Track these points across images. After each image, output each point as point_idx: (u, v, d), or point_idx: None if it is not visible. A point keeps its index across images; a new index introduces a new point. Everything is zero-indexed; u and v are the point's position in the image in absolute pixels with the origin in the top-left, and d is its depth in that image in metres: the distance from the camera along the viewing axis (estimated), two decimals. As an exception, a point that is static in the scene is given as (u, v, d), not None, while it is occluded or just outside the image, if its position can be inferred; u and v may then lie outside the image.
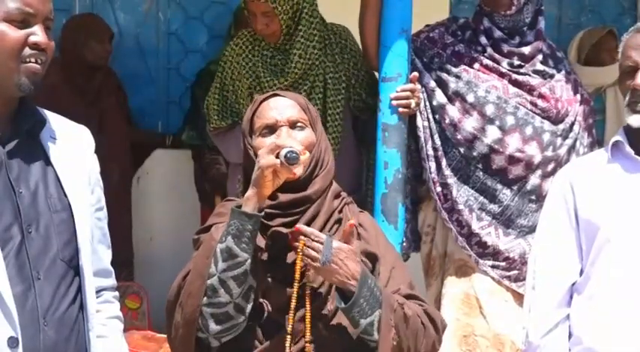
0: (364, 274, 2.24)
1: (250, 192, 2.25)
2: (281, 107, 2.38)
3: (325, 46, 3.53)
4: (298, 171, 2.29)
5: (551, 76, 3.39)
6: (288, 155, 2.22)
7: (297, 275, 2.25)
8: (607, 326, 2.54)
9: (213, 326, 2.23)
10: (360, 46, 3.51)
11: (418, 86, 3.31)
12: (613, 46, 4.75)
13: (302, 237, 2.25)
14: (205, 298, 2.22)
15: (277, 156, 2.23)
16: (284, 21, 3.42)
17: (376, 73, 3.40)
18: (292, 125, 2.37)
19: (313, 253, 2.23)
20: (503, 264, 3.34)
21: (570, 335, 2.62)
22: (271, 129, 2.37)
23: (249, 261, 2.21)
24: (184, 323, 2.25)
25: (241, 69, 3.55)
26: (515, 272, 3.33)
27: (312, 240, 2.24)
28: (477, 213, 3.32)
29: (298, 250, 2.25)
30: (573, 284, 2.64)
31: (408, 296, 2.36)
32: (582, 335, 2.59)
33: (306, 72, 3.48)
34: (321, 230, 2.35)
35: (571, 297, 2.64)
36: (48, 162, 2.08)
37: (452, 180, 3.32)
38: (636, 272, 2.53)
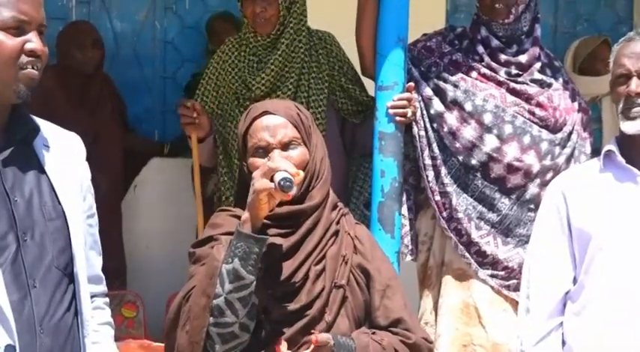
0: None
1: (246, 215, 2.26)
2: (273, 127, 2.38)
3: (310, 48, 3.56)
4: (293, 191, 2.27)
5: (549, 85, 3.39)
6: (282, 183, 2.21)
7: None
8: (600, 335, 2.55)
9: (220, 346, 2.25)
10: (357, 54, 3.52)
11: (415, 95, 3.32)
12: (608, 55, 4.77)
13: None
14: (211, 318, 2.23)
15: (271, 180, 2.23)
16: (282, 6, 3.44)
17: (372, 82, 3.41)
18: (285, 147, 2.37)
19: None
20: (502, 273, 3.33)
21: (564, 344, 2.63)
22: (264, 150, 2.37)
23: (254, 282, 2.23)
24: (189, 344, 2.26)
25: (227, 75, 3.56)
26: (514, 281, 3.31)
27: None
28: (475, 222, 3.32)
29: None
30: (567, 292, 2.65)
31: (396, 322, 2.38)
32: (575, 344, 2.60)
33: (291, 64, 3.49)
34: (319, 242, 2.35)
35: (564, 306, 2.65)
36: (42, 170, 2.09)
37: (451, 188, 3.32)
38: (628, 280, 2.55)
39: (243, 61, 3.54)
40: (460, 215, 3.30)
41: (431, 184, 3.33)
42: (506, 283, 3.33)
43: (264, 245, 2.24)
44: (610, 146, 2.66)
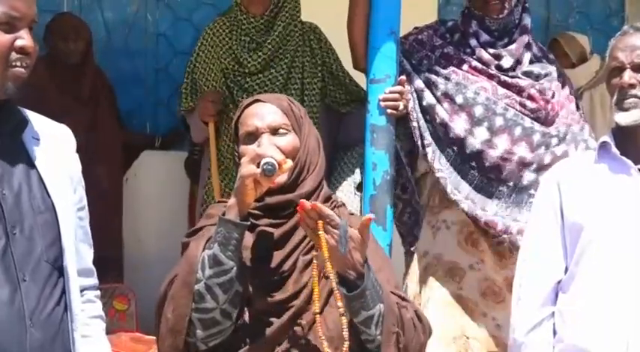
0: (368, 268, 2.24)
1: (233, 200, 2.26)
2: (262, 113, 2.37)
3: (303, 34, 3.63)
4: (282, 178, 2.28)
5: (543, 77, 3.40)
6: (265, 167, 2.21)
7: (326, 252, 2.19)
8: (590, 325, 2.56)
9: (200, 332, 2.24)
10: (349, 47, 3.53)
11: (407, 88, 3.32)
12: (560, 53, 5.28)
13: (313, 214, 2.19)
14: (192, 303, 2.22)
15: (258, 166, 2.23)
16: None
17: (364, 75, 3.41)
18: (274, 131, 2.36)
19: (331, 240, 2.19)
20: None
21: (555, 333, 2.64)
22: (253, 136, 2.36)
23: (235, 268, 2.22)
24: (171, 333, 2.26)
25: (216, 52, 3.59)
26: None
27: (328, 224, 2.20)
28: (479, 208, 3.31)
29: (319, 232, 2.19)
30: (559, 282, 2.66)
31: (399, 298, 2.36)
32: (566, 333, 2.61)
33: (286, 46, 3.54)
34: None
35: (556, 295, 2.66)
36: (31, 162, 2.08)
37: (448, 175, 3.31)
38: (619, 272, 2.55)
39: (235, 40, 3.58)
40: (461, 200, 3.29)
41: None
42: None
43: (244, 231, 2.23)
44: (605, 137, 2.68)
